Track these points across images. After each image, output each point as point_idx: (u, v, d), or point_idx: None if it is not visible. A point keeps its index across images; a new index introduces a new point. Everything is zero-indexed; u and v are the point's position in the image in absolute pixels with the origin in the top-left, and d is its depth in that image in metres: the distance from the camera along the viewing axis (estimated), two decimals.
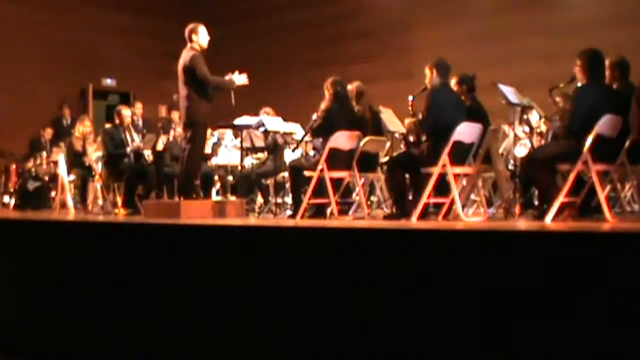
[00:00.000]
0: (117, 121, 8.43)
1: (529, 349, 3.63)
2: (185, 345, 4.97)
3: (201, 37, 6.77)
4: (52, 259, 5.91)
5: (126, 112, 8.47)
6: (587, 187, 5.35)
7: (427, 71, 5.94)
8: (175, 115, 11.01)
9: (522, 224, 5.25)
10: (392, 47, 12.16)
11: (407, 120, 6.30)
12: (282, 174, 7.85)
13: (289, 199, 7.61)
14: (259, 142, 8.29)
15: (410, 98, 6.15)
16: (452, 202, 5.74)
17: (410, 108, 6.15)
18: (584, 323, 3.50)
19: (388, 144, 7.07)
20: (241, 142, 7.93)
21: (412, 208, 5.67)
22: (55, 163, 9.69)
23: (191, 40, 6.76)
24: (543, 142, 6.68)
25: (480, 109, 6.27)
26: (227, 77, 6.78)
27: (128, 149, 8.24)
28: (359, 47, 12.43)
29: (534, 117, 6.66)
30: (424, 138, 6.08)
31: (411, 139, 6.37)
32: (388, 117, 7.09)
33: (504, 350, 3.72)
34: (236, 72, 6.80)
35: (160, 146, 8.71)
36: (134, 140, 8.30)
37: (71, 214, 8.44)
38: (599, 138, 5.01)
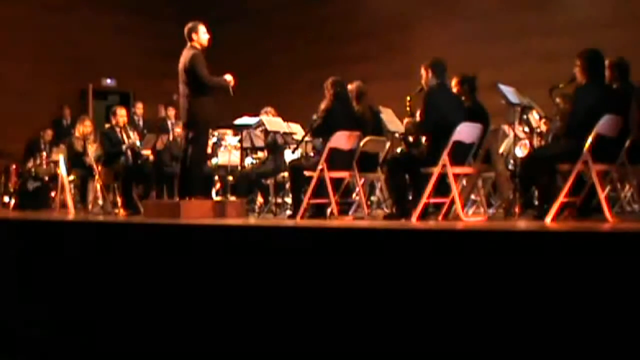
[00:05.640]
0: (113, 122, 8.50)
1: (532, 349, 3.63)
2: (184, 344, 4.97)
3: (201, 35, 6.78)
4: (52, 259, 5.90)
5: (121, 111, 8.53)
6: (587, 187, 5.35)
7: (422, 71, 5.93)
8: (170, 112, 11.04)
9: (522, 224, 5.25)
10: (392, 47, 12.16)
11: (406, 120, 6.30)
12: (282, 174, 7.84)
13: (289, 199, 7.60)
14: (259, 142, 8.29)
15: (408, 98, 6.15)
16: (452, 202, 5.74)
17: (408, 108, 6.15)
18: (584, 323, 3.50)
19: (388, 144, 7.07)
20: (241, 142, 7.93)
21: (412, 208, 5.67)
22: (55, 163, 9.69)
23: (191, 39, 6.76)
24: (543, 142, 6.68)
25: (481, 109, 6.26)
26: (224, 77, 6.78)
27: (124, 147, 8.28)
28: (359, 47, 12.42)
29: (534, 117, 6.66)
30: (423, 139, 6.08)
31: (410, 139, 6.37)
32: (388, 117, 7.10)
33: (504, 351, 3.72)
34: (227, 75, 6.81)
35: (160, 146, 8.73)
36: (130, 138, 8.34)
37: (71, 214, 8.45)
38: (599, 138, 5.00)
